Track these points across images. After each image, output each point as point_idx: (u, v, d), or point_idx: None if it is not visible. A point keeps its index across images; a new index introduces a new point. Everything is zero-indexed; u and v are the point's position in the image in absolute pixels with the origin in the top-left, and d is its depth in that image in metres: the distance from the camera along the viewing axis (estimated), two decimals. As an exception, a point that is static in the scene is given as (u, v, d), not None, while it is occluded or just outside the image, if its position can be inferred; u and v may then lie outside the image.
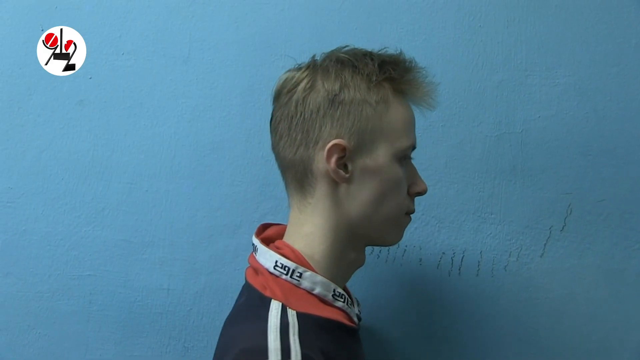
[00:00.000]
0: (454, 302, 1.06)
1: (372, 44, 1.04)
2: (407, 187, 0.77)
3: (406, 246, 1.06)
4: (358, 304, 0.83)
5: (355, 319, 0.77)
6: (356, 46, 0.78)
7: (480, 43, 1.06)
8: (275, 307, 0.68)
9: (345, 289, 0.79)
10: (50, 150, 1.06)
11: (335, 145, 0.71)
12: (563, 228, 1.06)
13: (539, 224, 1.06)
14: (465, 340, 1.06)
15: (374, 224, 0.75)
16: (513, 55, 1.06)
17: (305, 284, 0.71)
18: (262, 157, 1.05)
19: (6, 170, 1.06)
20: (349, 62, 0.74)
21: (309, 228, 0.74)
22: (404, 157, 0.76)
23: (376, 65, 0.73)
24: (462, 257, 1.06)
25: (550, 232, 1.06)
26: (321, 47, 1.03)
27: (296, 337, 0.64)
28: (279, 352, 0.61)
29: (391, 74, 0.74)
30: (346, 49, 0.78)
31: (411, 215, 0.80)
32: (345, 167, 0.73)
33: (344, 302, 0.74)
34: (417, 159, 1.04)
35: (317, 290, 0.71)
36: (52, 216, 1.06)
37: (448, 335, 1.06)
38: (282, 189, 0.79)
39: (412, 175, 0.79)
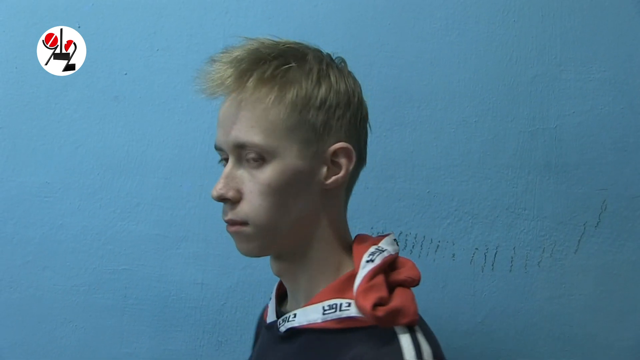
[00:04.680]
0: (487, 297, 1.06)
1: (405, 40, 1.05)
2: None
3: (439, 241, 1.06)
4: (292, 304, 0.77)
5: (272, 315, 0.77)
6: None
7: (514, 38, 1.05)
8: None
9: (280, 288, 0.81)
10: (86, 146, 1.07)
11: None
12: (597, 224, 1.05)
13: (573, 220, 1.05)
14: (498, 336, 1.05)
15: None
16: (547, 50, 1.05)
17: None
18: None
19: (43, 165, 1.07)
20: None
21: None
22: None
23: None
24: (495, 253, 1.06)
25: (585, 228, 1.05)
26: (355, 43, 1.05)
27: None
28: None
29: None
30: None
31: (227, 225, 0.70)
32: None
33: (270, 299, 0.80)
34: (451, 154, 1.05)
35: None
36: (87, 211, 1.07)
37: (481, 330, 1.05)
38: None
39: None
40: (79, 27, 1.07)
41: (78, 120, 1.08)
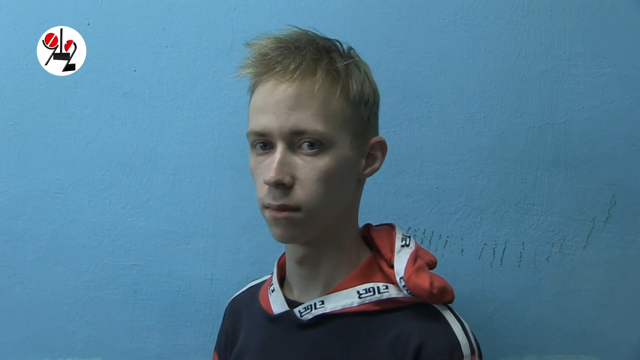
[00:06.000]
0: (496, 293, 1.06)
1: (414, 35, 1.05)
2: (258, 176, 0.71)
3: (448, 237, 1.06)
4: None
5: (281, 306, 0.77)
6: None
7: (523, 33, 1.05)
8: None
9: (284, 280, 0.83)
10: (96, 142, 1.08)
11: None
12: (607, 219, 1.05)
13: (582, 215, 1.05)
14: (507, 331, 1.05)
15: None
16: (556, 44, 1.05)
17: None
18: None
19: (54, 161, 1.08)
20: None
21: None
22: (251, 143, 0.72)
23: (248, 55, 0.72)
24: (504, 248, 1.06)
25: (594, 223, 1.05)
26: (363, 38, 1.05)
27: None
28: None
29: (245, 62, 0.72)
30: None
31: (274, 210, 0.69)
32: None
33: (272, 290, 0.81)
34: (460, 149, 1.05)
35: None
36: (98, 207, 1.08)
37: (489, 326, 1.05)
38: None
39: (262, 163, 0.70)
40: (88, 24, 1.07)
41: (88, 117, 1.08)
